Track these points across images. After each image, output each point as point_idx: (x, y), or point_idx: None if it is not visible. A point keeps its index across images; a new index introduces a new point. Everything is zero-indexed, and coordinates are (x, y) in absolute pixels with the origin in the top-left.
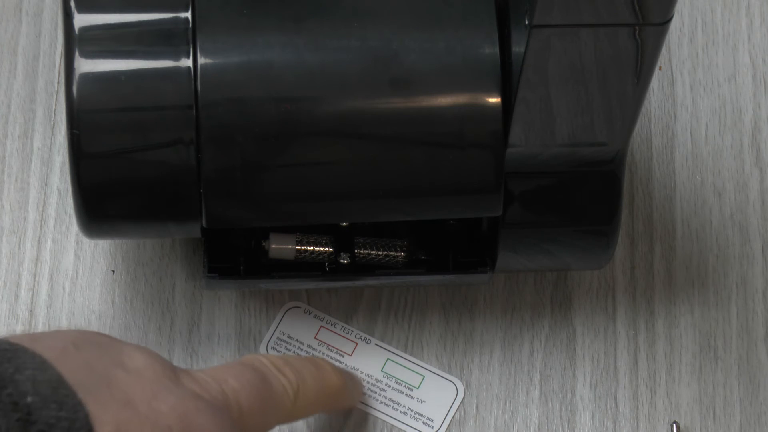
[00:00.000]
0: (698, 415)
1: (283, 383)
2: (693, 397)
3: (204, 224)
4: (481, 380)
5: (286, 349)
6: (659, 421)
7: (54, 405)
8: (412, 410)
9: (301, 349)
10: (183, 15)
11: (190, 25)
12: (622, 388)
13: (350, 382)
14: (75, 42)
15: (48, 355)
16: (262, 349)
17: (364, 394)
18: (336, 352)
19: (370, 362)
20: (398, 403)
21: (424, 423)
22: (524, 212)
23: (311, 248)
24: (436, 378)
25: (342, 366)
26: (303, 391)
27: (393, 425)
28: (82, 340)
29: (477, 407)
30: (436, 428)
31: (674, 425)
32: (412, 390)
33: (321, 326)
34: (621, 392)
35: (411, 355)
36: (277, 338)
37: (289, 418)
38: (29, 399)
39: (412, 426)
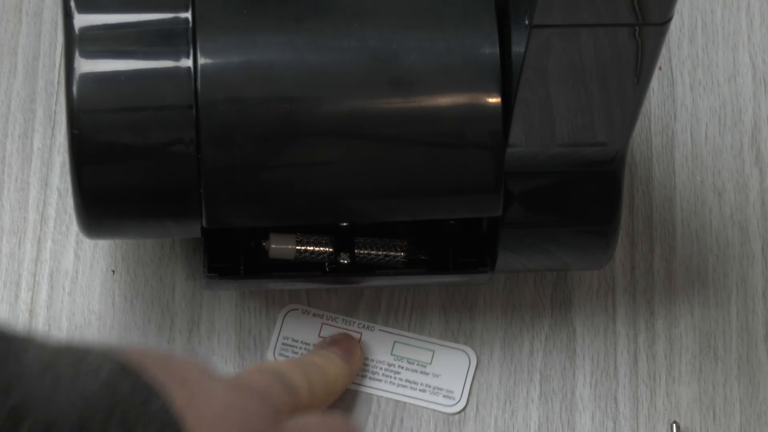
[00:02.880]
0: (698, 415)
1: (299, 381)
2: (693, 397)
3: (204, 224)
4: (481, 380)
5: (293, 353)
6: (659, 421)
7: (128, 379)
8: (430, 386)
9: (308, 350)
10: (183, 15)
11: (190, 25)
12: (622, 388)
13: (349, 359)
14: (75, 42)
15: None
16: (269, 356)
17: (365, 361)
18: None
19: (378, 348)
20: (415, 382)
21: (444, 396)
22: (524, 212)
23: (311, 248)
24: (446, 350)
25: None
26: (315, 387)
27: (415, 405)
28: (130, 345)
29: (477, 407)
30: (457, 399)
31: (674, 425)
32: (425, 366)
33: (322, 323)
34: (621, 392)
35: (416, 333)
36: (282, 344)
37: (307, 409)
38: (105, 371)
39: (434, 401)
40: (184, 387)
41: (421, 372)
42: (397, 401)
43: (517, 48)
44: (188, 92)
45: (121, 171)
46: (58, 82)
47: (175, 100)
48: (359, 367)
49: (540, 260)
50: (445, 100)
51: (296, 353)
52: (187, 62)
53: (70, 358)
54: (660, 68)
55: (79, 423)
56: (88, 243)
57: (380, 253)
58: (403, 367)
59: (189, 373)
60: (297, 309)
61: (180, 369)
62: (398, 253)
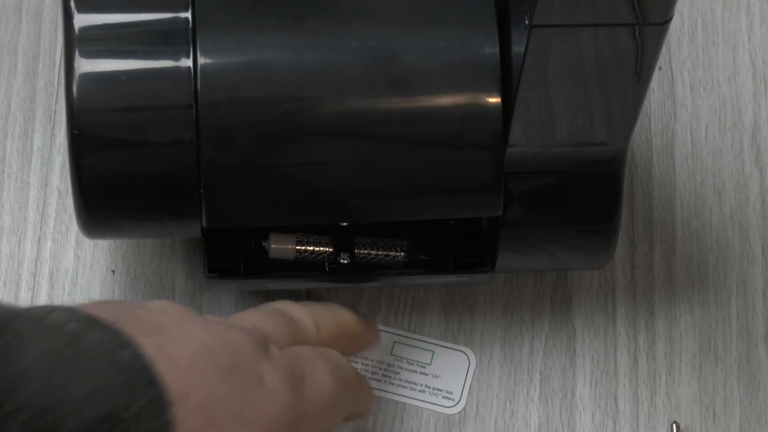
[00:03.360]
0: (698, 415)
1: (302, 316)
2: (693, 397)
3: (204, 224)
4: (481, 380)
5: None
6: (659, 421)
7: (95, 332)
8: (429, 387)
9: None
10: (183, 15)
11: (190, 25)
12: (622, 388)
13: (364, 321)
14: (75, 42)
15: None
16: None
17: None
18: None
19: (378, 348)
20: (415, 383)
21: (444, 397)
22: (524, 212)
23: (311, 248)
24: (446, 351)
25: (351, 357)
26: (323, 325)
27: (414, 405)
28: (100, 301)
29: (477, 407)
30: (456, 400)
31: (674, 425)
32: (425, 367)
33: None
34: (621, 392)
35: (416, 333)
36: None
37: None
38: (71, 325)
39: (433, 402)
40: (155, 334)
41: (421, 372)
42: (396, 402)
43: (517, 48)
44: (188, 92)
45: (121, 171)
46: (58, 82)
47: (175, 100)
48: (374, 333)
49: (540, 260)
50: (445, 100)
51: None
52: (187, 62)
53: (31, 317)
54: (660, 68)
55: (44, 376)
56: (88, 243)
57: (380, 253)
58: (402, 368)
59: (162, 319)
60: None
61: (152, 317)
62: (398, 253)
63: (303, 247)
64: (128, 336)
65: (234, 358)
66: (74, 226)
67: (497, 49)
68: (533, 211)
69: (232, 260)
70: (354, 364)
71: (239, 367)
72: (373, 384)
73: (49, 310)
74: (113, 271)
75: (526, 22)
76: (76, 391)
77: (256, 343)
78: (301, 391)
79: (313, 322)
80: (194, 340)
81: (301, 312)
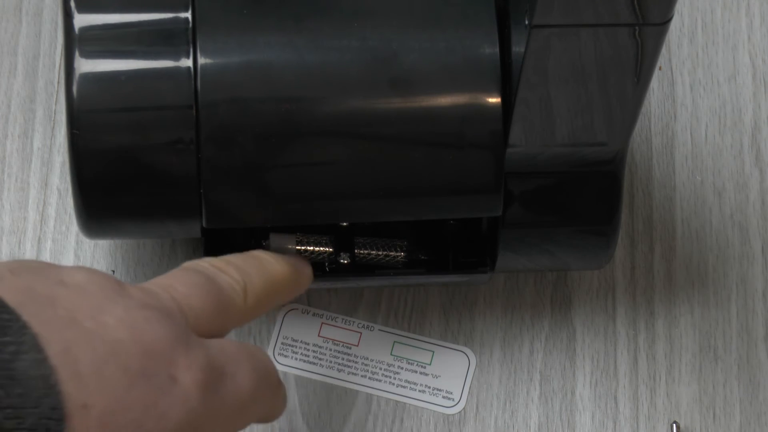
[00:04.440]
0: (698, 415)
1: (230, 282)
2: (693, 397)
3: (204, 224)
4: (481, 380)
5: (293, 352)
6: (659, 421)
7: None
8: (429, 387)
9: (308, 350)
10: (183, 15)
11: (190, 25)
12: (622, 388)
13: (296, 267)
14: (75, 42)
15: None
16: (269, 356)
17: (365, 361)
18: (342, 346)
19: (378, 348)
20: (415, 383)
21: (444, 397)
22: (524, 212)
23: (311, 248)
24: (446, 351)
25: (351, 357)
26: (251, 288)
27: (414, 405)
28: (18, 266)
29: (477, 407)
30: (456, 400)
31: (674, 425)
32: (425, 367)
33: (322, 323)
34: (621, 392)
35: (416, 333)
36: (282, 344)
37: (243, 318)
38: None
39: (433, 402)
40: (65, 329)
41: (421, 373)
42: (396, 402)
43: (517, 48)
44: (188, 92)
45: (121, 171)
46: (58, 82)
47: (175, 100)
48: (307, 282)
49: (540, 260)
50: (445, 100)
51: (296, 353)
52: (187, 62)
53: None
54: (660, 68)
55: None
56: (88, 243)
57: (380, 253)
58: (402, 368)
59: (78, 304)
60: (297, 309)
61: (68, 301)
62: (398, 253)
63: (303, 247)
64: (33, 335)
65: (145, 359)
66: (74, 226)
67: (497, 49)
68: (533, 211)
69: None
70: (354, 365)
71: (149, 370)
72: (373, 384)
73: None
74: (113, 271)
75: (526, 22)
76: None
77: (176, 334)
78: (216, 392)
79: (241, 285)
80: (105, 339)
81: (228, 276)
